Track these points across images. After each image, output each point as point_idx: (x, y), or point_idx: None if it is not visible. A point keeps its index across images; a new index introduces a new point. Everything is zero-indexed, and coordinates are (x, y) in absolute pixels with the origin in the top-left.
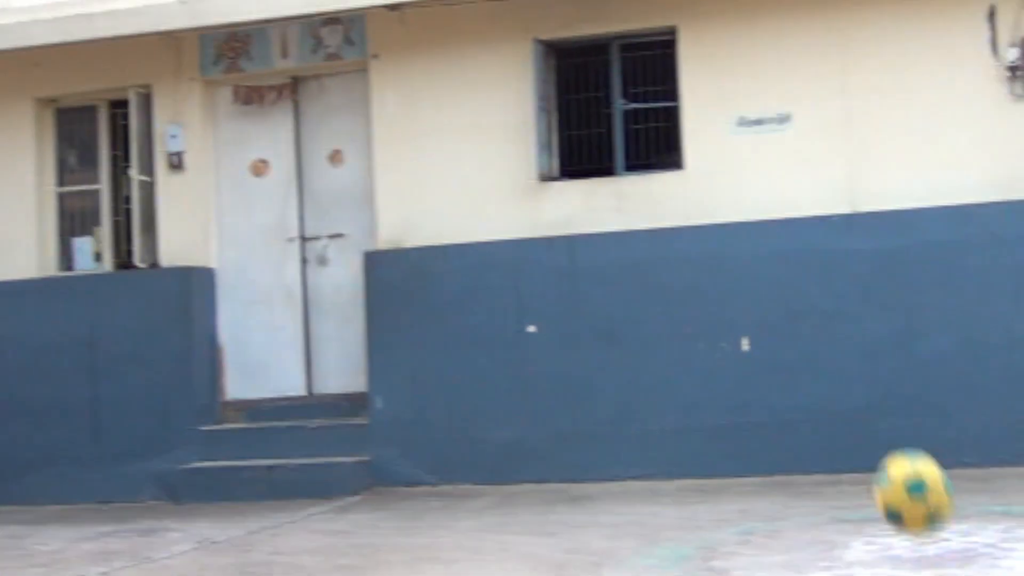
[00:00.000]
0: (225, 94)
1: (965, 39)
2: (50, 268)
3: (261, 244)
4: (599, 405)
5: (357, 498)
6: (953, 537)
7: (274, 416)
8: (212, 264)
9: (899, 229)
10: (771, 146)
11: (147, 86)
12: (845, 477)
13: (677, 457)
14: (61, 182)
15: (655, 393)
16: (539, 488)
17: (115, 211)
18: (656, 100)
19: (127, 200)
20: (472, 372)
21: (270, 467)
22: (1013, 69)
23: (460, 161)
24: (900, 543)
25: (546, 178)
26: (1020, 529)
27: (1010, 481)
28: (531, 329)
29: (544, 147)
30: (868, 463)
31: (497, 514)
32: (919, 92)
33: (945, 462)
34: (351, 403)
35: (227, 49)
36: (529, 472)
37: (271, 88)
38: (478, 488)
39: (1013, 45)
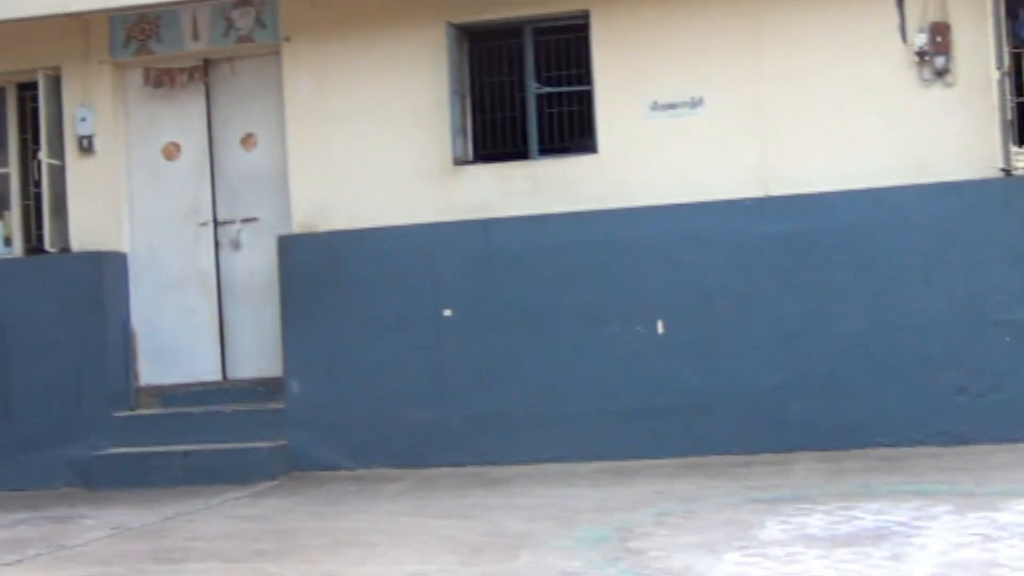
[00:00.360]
0: (135, 77)
1: (875, 24)
2: None
3: (174, 228)
4: (515, 388)
5: (274, 483)
6: (866, 516)
7: (189, 401)
8: (124, 248)
9: (811, 212)
10: (684, 130)
11: (56, 68)
12: (759, 458)
13: (593, 439)
14: None
15: (571, 376)
16: (456, 471)
17: (24, 195)
18: (570, 84)
19: (37, 184)
20: (388, 356)
21: (185, 453)
22: (921, 54)
23: (374, 145)
24: (814, 522)
25: (460, 162)
26: (931, 508)
27: (922, 460)
28: (447, 313)
29: (458, 131)
30: (782, 444)
31: (415, 497)
32: (830, 76)
33: (858, 442)
34: (267, 388)
35: (137, 31)
36: (446, 455)
37: (182, 71)
38: (395, 472)
39: (921, 31)
